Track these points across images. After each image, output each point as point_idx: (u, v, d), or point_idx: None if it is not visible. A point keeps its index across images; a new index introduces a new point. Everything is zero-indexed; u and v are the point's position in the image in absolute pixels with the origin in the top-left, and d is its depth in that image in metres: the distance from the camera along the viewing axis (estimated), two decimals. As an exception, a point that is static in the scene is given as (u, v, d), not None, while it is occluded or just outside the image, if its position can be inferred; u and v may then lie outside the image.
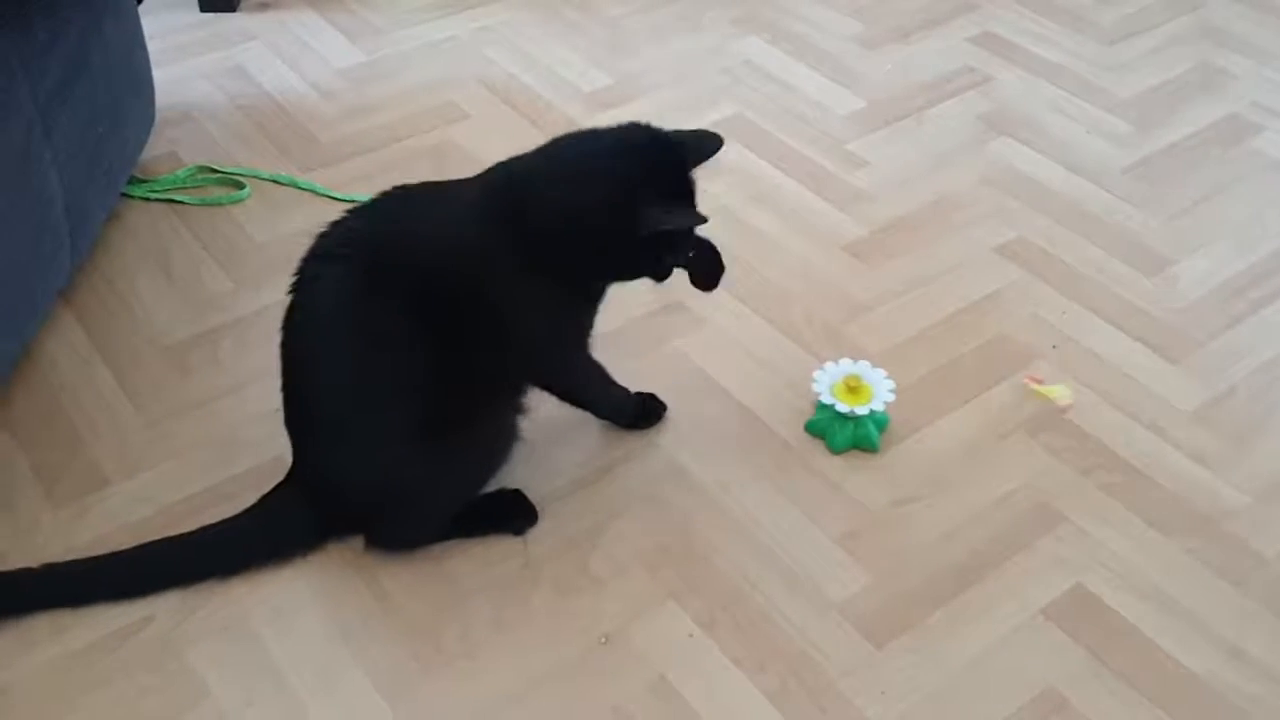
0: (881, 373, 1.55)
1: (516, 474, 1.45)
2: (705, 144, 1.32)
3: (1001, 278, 1.79)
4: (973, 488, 1.48)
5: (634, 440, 1.53)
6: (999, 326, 1.71)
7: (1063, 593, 1.37)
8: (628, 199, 1.25)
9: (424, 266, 1.26)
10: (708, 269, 1.38)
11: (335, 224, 1.32)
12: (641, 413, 1.54)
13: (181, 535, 1.35)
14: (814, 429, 1.53)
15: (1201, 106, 2.16)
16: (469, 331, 1.26)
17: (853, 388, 1.52)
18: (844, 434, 1.51)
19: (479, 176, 1.35)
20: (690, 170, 1.31)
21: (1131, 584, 1.38)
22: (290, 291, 1.31)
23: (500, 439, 1.37)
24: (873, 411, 1.50)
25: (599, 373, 1.46)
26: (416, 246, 1.28)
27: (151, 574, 1.34)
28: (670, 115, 2.08)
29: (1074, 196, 1.95)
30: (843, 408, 1.50)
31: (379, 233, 1.30)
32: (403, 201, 1.33)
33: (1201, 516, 1.46)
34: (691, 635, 1.32)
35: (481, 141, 2.03)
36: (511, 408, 1.36)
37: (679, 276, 1.37)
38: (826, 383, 1.53)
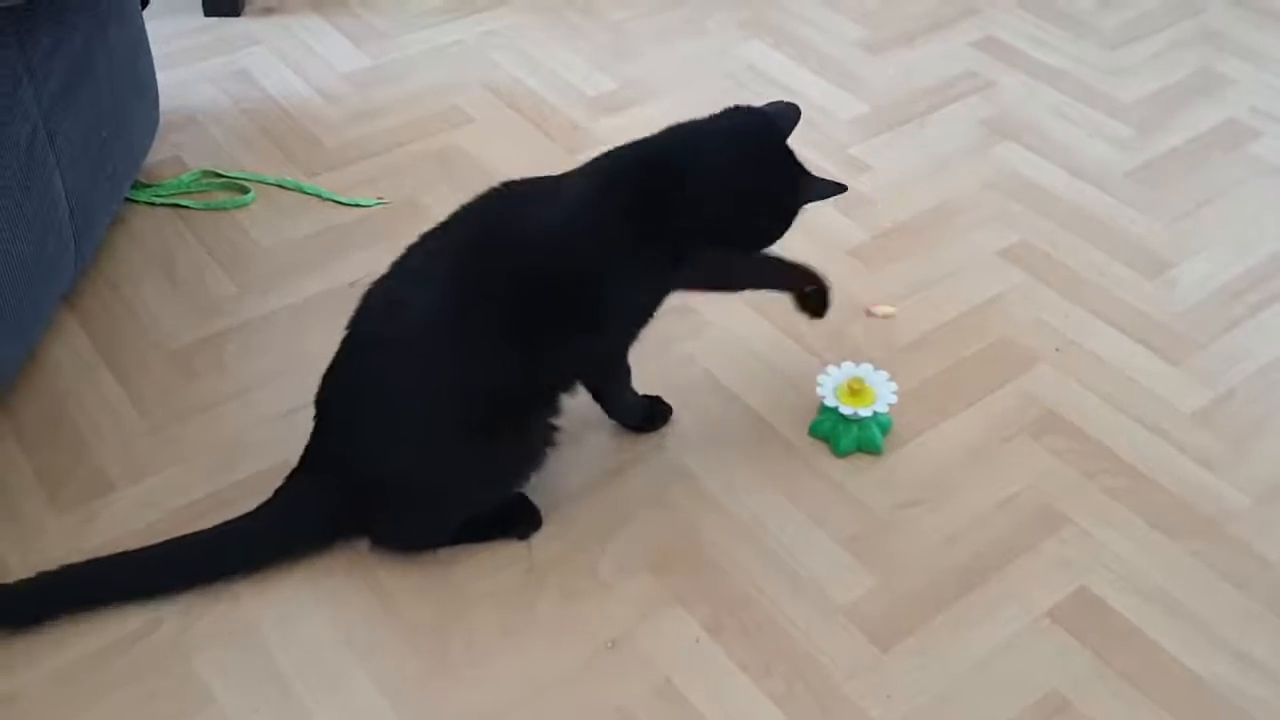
0: (884, 375, 1.56)
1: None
2: (791, 115, 1.40)
3: (1004, 281, 1.79)
4: (976, 490, 1.49)
5: (640, 444, 1.53)
6: (1002, 330, 1.71)
7: (1067, 595, 1.37)
8: (789, 171, 1.37)
9: (527, 265, 1.28)
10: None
11: (444, 224, 1.34)
12: (649, 415, 1.55)
13: (194, 534, 1.34)
14: (818, 432, 1.54)
15: (1202, 111, 2.17)
16: (558, 321, 1.29)
17: (856, 390, 1.52)
18: (848, 437, 1.51)
19: (591, 165, 1.37)
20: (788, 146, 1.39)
21: (1135, 586, 1.38)
22: (386, 276, 1.32)
23: (539, 445, 1.37)
24: (875, 414, 1.51)
25: (628, 370, 1.49)
26: (522, 245, 1.29)
27: (166, 574, 1.34)
28: (675, 119, 2.09)
29: (1076, 200, 1.96)
30: (846, 410, 1.50)
31: (483, 234, 1.32)
32: (507, 199, 1.35)
33: (1204, 519, 1.46)
34: (698, 640, 1.32)
35: (486, 146, 2.04)
36: (552, 414, 1.37)
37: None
38: (830, 385, 1.54)
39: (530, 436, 1.36)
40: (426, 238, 1.34)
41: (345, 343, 1.34)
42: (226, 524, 1.35)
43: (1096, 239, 1.87)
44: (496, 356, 1.28)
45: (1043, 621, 1.34)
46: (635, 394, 1.52)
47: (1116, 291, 1.78)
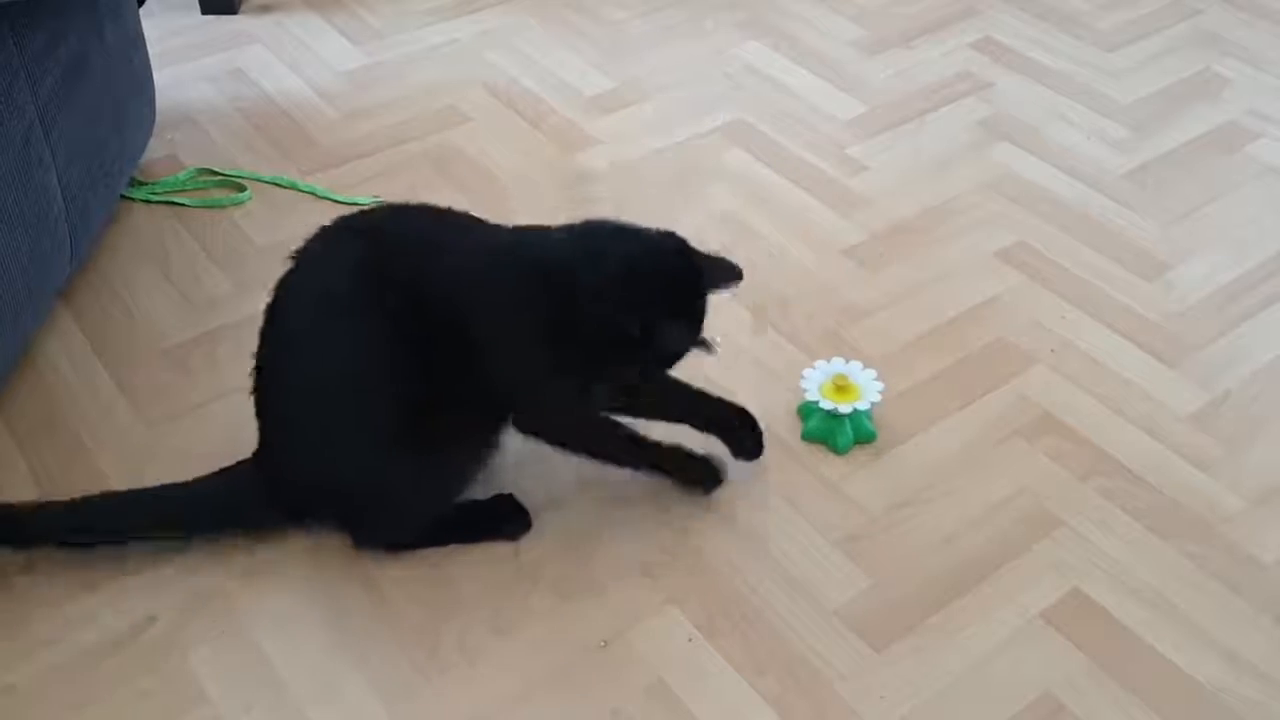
0: (871, 373, 1.56)
1: (516, 478, 1.45)
2: (723, 277, 1.32)
3: (1000, 282, 1.79)
4: (971, 492, 1.49)
5: (633, 444, 1.53)
6: (998, 331, 1.71)
7: (1061, 597, 1.37)
8: (651, 312, 1.25)
9: (440, 285, 1.27)
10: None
11: (350, 216, 1.34)
12: (695, 476, 1.46)
13: (145, 489, 1.36)
14: (814, 435, 1.53)
15: (1199, 112, 2.17)
16: (460, 359, 1.27)
17: (841, 387, 1.52)
18: (822, 425, 1.52)
19: (512, 229, 1.36)
20: (707, 295, 1.32)
21: (1129, 588, 1.38)
22: (290, 265, 1.32)
23: (468, 462, 1.37)
24: (843, 414, 1.51)
25: (604, 433, 1.41)
26: (439, 263, 1.29)
27: (102, 523, 1.35)
28: (672, 120, 2.10)
29: (1073, 202, 1.95)
30: (827, 405, 1.50)
31: (400, 235, 1.32)
32: (428, 216, 1.35)
33: (1199, 521, 1.46)
34: (691, 639, 1.32)
35: (483, 145, 2.04)
36: (487, 433, 1.37)
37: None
38: (815, 381, 1.54)
39: (456, 453, 1.35)
40: (336, 232, 1.33)
41: (266, 335, 1.33)
42: (169, 485, 1.36)
43: (1093, 240, 1.87)
44: (397, 365, 1.27)
45: (1037, 623, 1.34)
46: (651, 448, 1.44)
47: (1113, 293, 1.78)
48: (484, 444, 1.37)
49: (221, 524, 1.38)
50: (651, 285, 1.28)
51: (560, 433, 1.39)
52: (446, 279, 1.28)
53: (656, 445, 1.42)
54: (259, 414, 1.35)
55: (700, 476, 1.45)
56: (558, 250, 1.30)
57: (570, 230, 1.33)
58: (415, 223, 1.36)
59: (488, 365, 1.28)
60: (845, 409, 1.50)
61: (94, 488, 1.44)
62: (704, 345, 1.33)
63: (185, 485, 1.36)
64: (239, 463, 1.38)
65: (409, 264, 1.28)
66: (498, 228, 1.37)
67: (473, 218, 1.37)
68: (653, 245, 1.31)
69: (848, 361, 1.57)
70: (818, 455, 1.52)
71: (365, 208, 1.37)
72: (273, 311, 1.33)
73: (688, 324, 1.31)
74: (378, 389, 1.28)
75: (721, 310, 1.69)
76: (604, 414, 1.39)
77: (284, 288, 1.32)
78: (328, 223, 1.34)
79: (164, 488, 1.36)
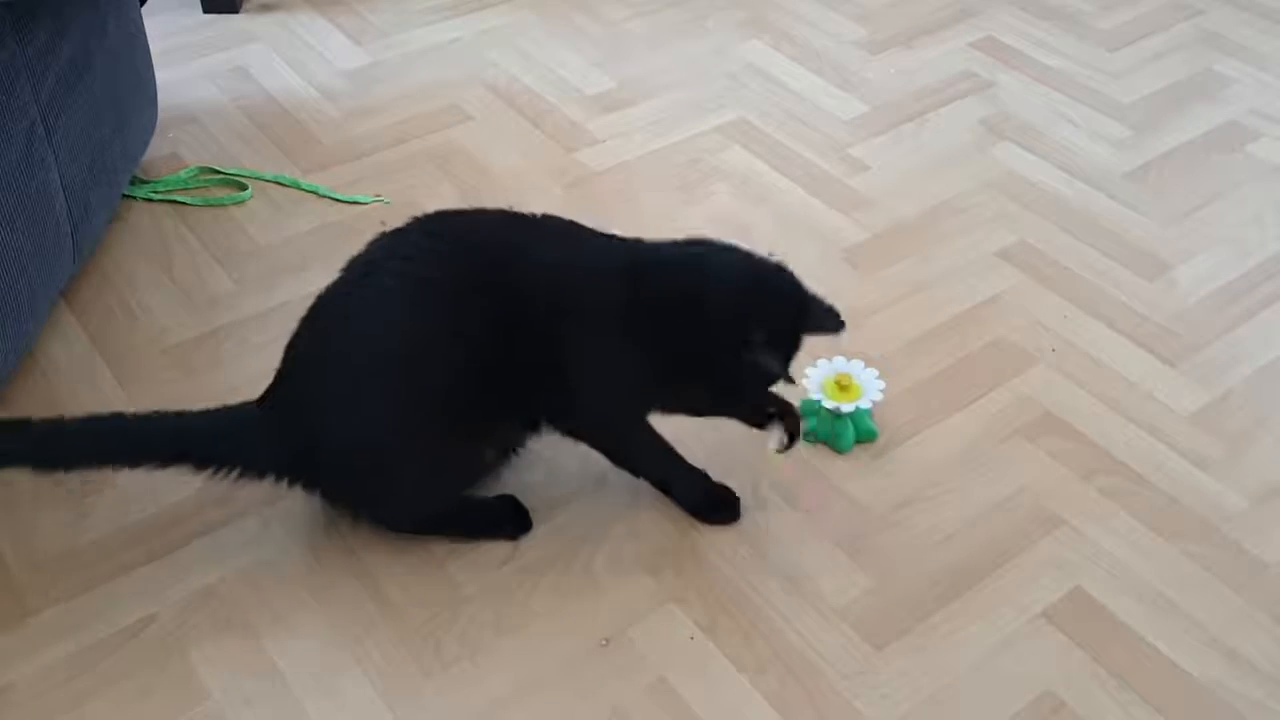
0: (873, 372, 1.56)
1: (519, 475, 1.45)
2: (827, 321, 1.35)
3: (1001, 282, 1.79)
4: (972, 491, 1.49)
5: (635, 442, 1.53)
6: (999, 330, 1.71)
7: (1062, 596, 1.37)
8: (743, 334, 1.28)
9: (521, 290, 1.28)
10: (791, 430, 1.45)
11: (443, 214, 1.35)
12: (710, 503, 1.46)
13: (131, 416, 1.31)
14: (817, 436, 1.53)
15: (1201, 112, 2.17)
16: (531, 365, 1.28)
17: (843, 385, 1.52)
18: (824, 425, 1.52)
19: (607, 235, 1.37)
20: (802, 333, 1.35)
21: (1130, 587, 1.38)
22: (373, 251, 1.32)
23: (491, 462, 1.38)
24: (844, 412, 1.51)
25: (657, 448, 1.42)
26: (524, 268, 1.29)
27: (86, 448, 1.31)
28: (674, 118, 2.10)
29: (1074, 201, 1.96)
30: (830, 404, 1.50)
31: (492, 235, 1.32)
32: (519, 223, 1.35)
33: (1200, 520, 1.46)
34: (692, 638, 1.32)
35: (485, 144, 2.04)
36: (516, 438, 1.38)
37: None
38: (817, 380, 1.54)
39: (482, 450, 1.36)
40: (427, 226, 1.34)
41: (331, 299, 1.32)
42: (167, 413, 1.32)
43: (1095, 240, 1.87)
44: (462, 372, 1.28)
45: (1038, 622, 1.34)
46: (692, 473, 1.46)
47: (1114, 292, 1.78)
48: (510, 447, 1.39)
49: (221, 458, 1.32)
50: (775, 301, 1.32)
51: (613, 441, 1.41)
52: (540, 282, 1.29)
53: (688, 468, 1.44)
54: (290, 362, 1.33)
55: (720, 503, 1.46)
56: (676, 259, 1.33)
57: (682, 245, 1.35)
58: (508, 226, 1.35)
59: (569, 368, 1.30)
60: (847, 408, 1.50)
61: (94, 487, 1.45)
62: (789, 378, 1.34)
63: (184, 414, 1.32)
64: (242, 404, 1.35)
65: (496, 263, 1.28)
66: (598, 235, 1.37)
67: (570, 223, 1.37)
68: (773, 269, 1.34)
69: (849, 360, 1.57)
70: (819, 454, 1.53)
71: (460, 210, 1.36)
72: (344, 278, 1.32)
73: (792, 347, 1.34)
74: (430, 372, 1.28)
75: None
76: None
77: (361, 260, 1.32)
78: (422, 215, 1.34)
79: (163, 414, 1.31)
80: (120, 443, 1.32)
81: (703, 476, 1.45)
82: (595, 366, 1.32)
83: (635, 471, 1.44)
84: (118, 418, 1.32)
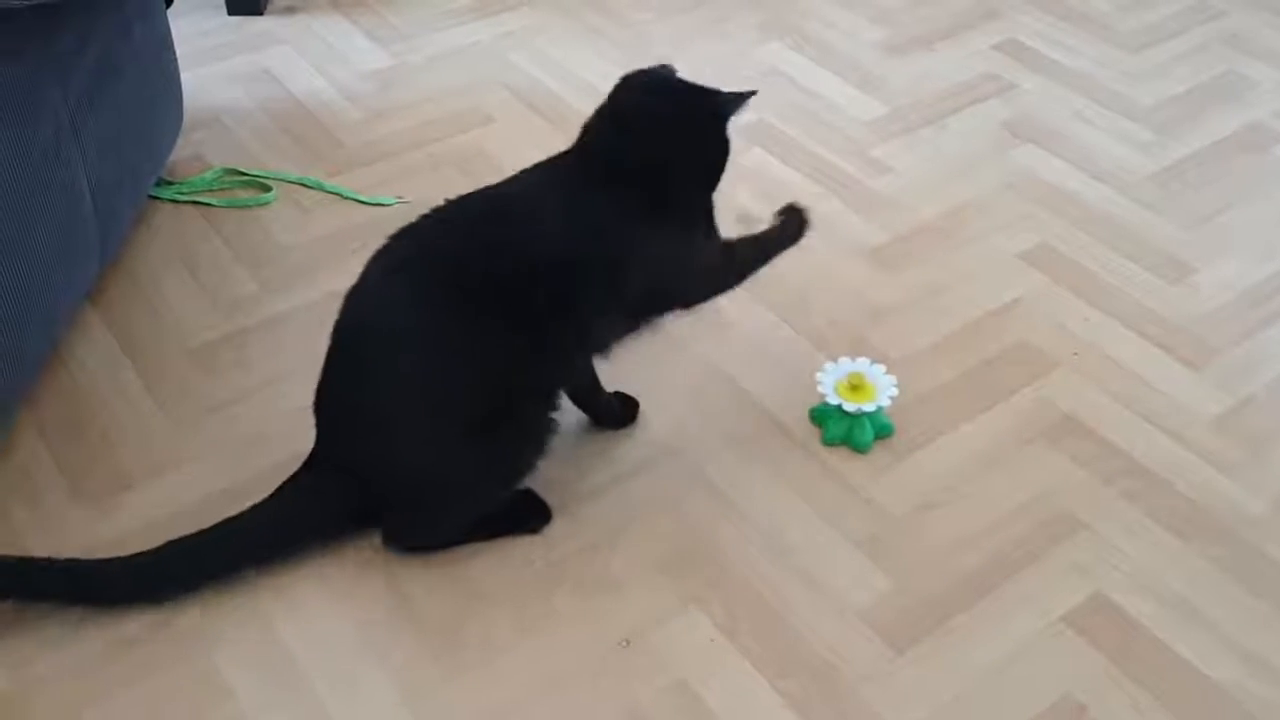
0: (881, 368, 1.56)
1: (540, 475, 1.46)
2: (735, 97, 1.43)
3: (1023, 284, 1.79)
4: (993, 494, 1.49)
5: (655, 445, 1.53)
6: (1020, 333, 1.71)
7: (1082, 600, 1.37)
8: (706, 95, 1.40)
9: (516, 258, 1.29)
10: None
11: (412, 226, 1.35)
12: (623, 411, 1.55)
13: (204, 531, 1.33)
14: (835, 438, 1.53)
15: (1224, 114, 2.16)
16: (567, 314, 1.31)
17: (856, 386, 1.53)
18: (839, 428, 1.52)
19: (548, 164, 1.42)
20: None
21: (1151, 591, 1.38)
22: (363, 278, 1.33)
23: (541, 436, 1.37)
24: (865, 412, 1.51)
25: (730, 252, 1.49)
26: (505, 241, 1.31)
27: (177, 574, 1.33)
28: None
29: (1096, 203, 1.95)
30: (847, 406, 1.50)
31: (457, 235, 1.33)
32: (478, 202, 1.37)
33: (1221, 524, 1.46)
34: (712, 640, 1.32)
35: (507, 146, 2.04)
36: (549, 406, 1.37)
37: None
38: (830, 380, 1.54)
39: (531, 429, 1.36)
40: (402, 240, 1.34)
41: (335, 346, 1.34)
42: (231, 519, 1.34)
43: (1117, 242, 1.87)
44: (496, 350, 1.28)
45: (1058, 625, 1.34)
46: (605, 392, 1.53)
47: (1136, 295, 1.77)
48: (547, 420, 1.38)
49: (300, 538, 1.37)
50: (689, 90, 1.41)
51: (725, 278, 1.48)
52: (533, 239, 1.31)
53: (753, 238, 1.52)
54: (326, 419, 1.35)
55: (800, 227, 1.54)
56: (611, 124, 1.40)
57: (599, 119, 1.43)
58: (467, 215, 1.36)
59: (628, 283, 1.34)
60: (854, 408, 1.50)
61: (119, 483, 1.47)
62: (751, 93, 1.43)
63: (251, 512, 1.35)
64: (291, 478, 1.37)
65: (479, 258, 1.29)
66: (523, 179, 1.40)
67: (491, 189, 1.39)
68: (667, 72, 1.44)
69: (854, 359, 1.57)
70: (839, 456, 1.53)
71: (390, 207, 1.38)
72: (346, 325, 1.33)
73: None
74: (460, 378, 1.29)
75: (745, 312, 1.70)
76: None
77: (356, 304, 1.33)
78: (387, 241, 1.35)
79: (228, 522, 1.34)
80: (206, 563, 1.34)
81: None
82: (661, 254, 1.36)
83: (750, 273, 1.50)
84: (198, 538, 1.32)
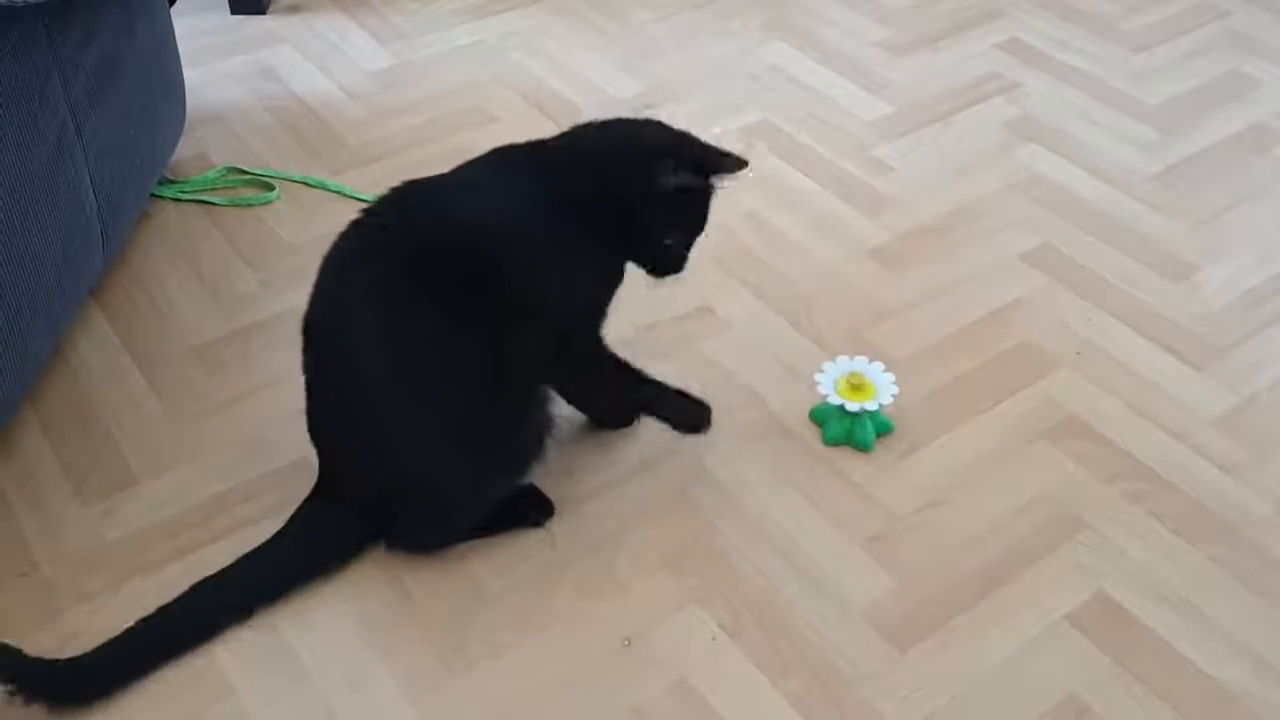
0: (880, 366, 1.56)
1: (542, 474, 1.45)
2: (725, 159, 1.37)
3: (1026, 284, 1.79)
4: (996, 494, 1.48)
5: (659, 443, 1.53)
6: (1023, 333, 1.71)
7: (1086, 599, 1.37)
8: (652, 154, 1.33)
9: (461, 250, 1.28)
10: None
11: (357, 223, 1.34)
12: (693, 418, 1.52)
13: (221, 573, 1.31)
14: (837, 438, 1.53)
15: (1228, 114, 2.16)
16: (506, 312, 1.29)
17: (856, 385, 1.52)
18: (840, 427, 1.52)
19: (493, 156, 1.40)
20: (710, 169, 1.36)
21: (1155, 591, 1.38)
22: (317, 292, 1.32)
23: (533, 437, 1.37)
24: (868, 411, 1.51)
25: (618, 372, 1.46)
26: (452, 232, 1.30)
27: (204, 622, 1.31)
28: (698, 120, 2.09)
29: (1100, 203, 1.95)
30: (842, 403, 1.50)
31: (407, 227, 1.32)
32: (423, 193, 1.36)
33: (1225, 524, 1.45)
34: (714, 639, 1.32)
35: (508, 145, 2.04)
36: (542, 404, 1.37)
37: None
38: (830, 379, 1.54)
39: (524, 429, 1.36)
40: (348, 247, 1.33)
41: (311, 365, 1.33)
42: (248, 556, 1.33)
43: (1120, 242, 1.87)
44: (443, 357, 1.27)
45: (1061, 625, 1.34)
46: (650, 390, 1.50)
47: (1139, 295, 1.77)
48: (541, 420, 1.37)
49: (323, 565, 1.37)
50: (673, 139, 1.37)
51: (588, 373, 1.44)
52: (471, 237, 1.30)
53: (659, 385, 1.47)
54: (319, 438, 1.35)
55: (696, 419, 1.49)
56: (577, 152, 1.37)
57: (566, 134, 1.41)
58: (416, 206, 1.35)
59: (552, 304, 1.32)
60: (857, 407, 1.50)
61: (122, 482, 1.47)
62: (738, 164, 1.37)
63: (270, 546, 1.34)
64: (301, 505, 1.37)
65: (430, 249, 1.29)
66: (475, 165, 1.40)
67: (447, 174, 1.39)
68: (650, 121, 1.41)
69: (852, 358, 1.57)
70: (842, 455, 1.53)
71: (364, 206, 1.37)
72: (314, 342, 1.33)
73: (701, 176, 1.36)
74: (437, 385, 1.28)
75: (748, 311, 1.70)
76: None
77: (318, 319, 1.32)
78: (343, 229, 1.34)
79: (249, 558, 1.33)
80: (232, 605, 1.32)
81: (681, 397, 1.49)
82: (558, 272, 1.34)
83: (617, 405, 1.50)
84: (220, 580, 1.31)
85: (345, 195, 1.92)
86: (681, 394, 1.49)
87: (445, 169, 1.96)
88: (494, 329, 1.28)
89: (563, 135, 1.41)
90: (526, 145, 1.40)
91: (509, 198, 1.34)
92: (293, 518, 1.36)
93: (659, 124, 1.40)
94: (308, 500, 1.37)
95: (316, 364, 1.33)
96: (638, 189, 1.33)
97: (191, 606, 1.29)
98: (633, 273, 1.41)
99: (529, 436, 1.37)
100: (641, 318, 1.68)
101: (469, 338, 1.27)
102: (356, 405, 1.29)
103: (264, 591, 1.34)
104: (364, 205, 1.37)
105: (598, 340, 1.43)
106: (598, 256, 1.37)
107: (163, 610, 1.28)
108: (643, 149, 1.35)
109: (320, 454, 1.36)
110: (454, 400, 1.29)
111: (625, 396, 1.50)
